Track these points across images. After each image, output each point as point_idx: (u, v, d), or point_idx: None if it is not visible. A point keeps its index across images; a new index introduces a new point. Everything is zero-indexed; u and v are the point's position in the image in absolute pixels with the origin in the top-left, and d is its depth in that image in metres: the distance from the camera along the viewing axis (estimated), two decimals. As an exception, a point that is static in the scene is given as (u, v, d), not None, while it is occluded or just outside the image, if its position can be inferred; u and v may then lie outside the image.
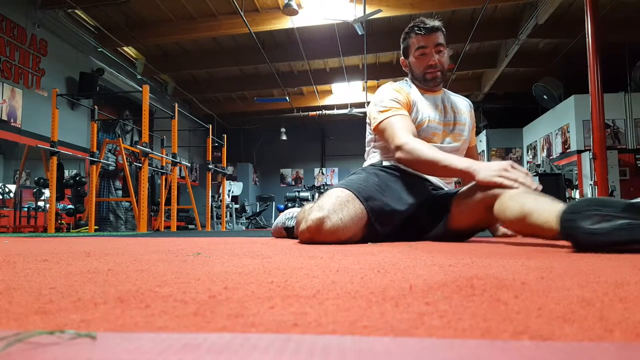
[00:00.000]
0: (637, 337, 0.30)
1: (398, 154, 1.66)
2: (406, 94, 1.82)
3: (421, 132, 1.80)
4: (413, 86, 1.90)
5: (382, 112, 1.76)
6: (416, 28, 1.81)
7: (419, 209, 1.68)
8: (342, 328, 0.33)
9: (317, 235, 1.47)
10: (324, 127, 14.20)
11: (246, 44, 8.72)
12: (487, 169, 1.41)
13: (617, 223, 0.93)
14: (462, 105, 1.97)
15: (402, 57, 1.93)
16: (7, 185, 6.65)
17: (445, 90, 1.99)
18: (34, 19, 6.80)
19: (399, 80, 1.96)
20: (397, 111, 1.74)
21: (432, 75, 1.84)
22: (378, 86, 10.59)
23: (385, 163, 1.83)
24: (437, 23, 1.81)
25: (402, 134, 1.66)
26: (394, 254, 1.03)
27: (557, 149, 9.73)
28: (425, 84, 1.87)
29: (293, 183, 14.64)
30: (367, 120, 1.89)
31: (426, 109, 1.83)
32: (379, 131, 1.77)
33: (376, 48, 8.72)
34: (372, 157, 1.90)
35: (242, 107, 12.64)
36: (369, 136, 1.93)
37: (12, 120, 6.28)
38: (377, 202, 1.59)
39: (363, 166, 1.90)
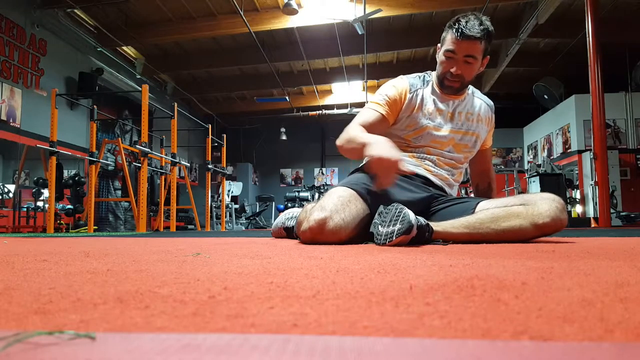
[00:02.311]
0: (637, 338, 0.30)
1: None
2: (402, 91, 1.76)
3: (420, 139, 1.77)
4: (431, 84, 1.80)
5: (370, 101, 1.80)
6: (456, 26, 1.62)
7: (420, 209, 1.67)
8: (342, 328, 0.33)
9: (319, 235, 1.47)
10: (324, 127, 14.19)
11: (246, 43, 8.72)
12: (375, 150, 1.46)
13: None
14: (483, 110, 1.88)
15: (439, 43, 1.74)
16: (6, 186, 6.65)
17: (471, 93, 1.86)
18: (33, 19, 6.79)
19: (423, 72, 1.87)
20: (375, 106, 1.77)
21: (449, 84, 1.73)
22: (378, 86, 10.64)
23: None
24: (478, 33, 1.59)
25: (354, 125, 1.72)
26: (394, 254, 1.03)
27: (558, 149, 9.74)
28: (441, 88, 1.79)
29: (293, 183, 14.63)
30: None
31: (432, 112, 1.77)
32: None
33: (376, 48, 8.72)
34: None
35: (241, 107, 12.64)
36: None
37: (11, 120, 6.28)
38: (379, 197, 1.60)
39: (362, 164, 1.89)
